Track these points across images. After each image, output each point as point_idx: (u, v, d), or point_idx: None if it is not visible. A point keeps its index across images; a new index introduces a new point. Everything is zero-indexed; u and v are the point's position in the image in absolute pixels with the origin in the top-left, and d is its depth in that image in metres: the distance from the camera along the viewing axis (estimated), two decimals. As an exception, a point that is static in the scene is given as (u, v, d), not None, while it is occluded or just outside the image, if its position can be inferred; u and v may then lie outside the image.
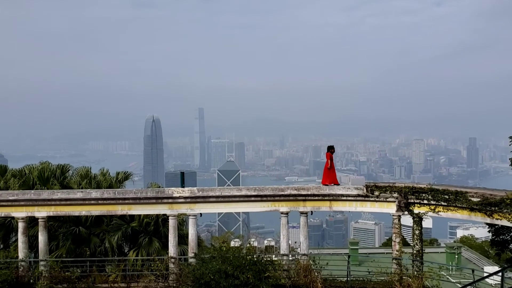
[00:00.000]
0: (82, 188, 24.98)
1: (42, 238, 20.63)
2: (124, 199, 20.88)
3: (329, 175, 21.94)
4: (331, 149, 22.19)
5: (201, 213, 21.51)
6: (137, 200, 20.94)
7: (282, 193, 21.21)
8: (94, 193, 20.92)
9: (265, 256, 19.25)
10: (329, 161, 21.97)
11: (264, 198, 21.24)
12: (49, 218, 21.58)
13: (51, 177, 25.92)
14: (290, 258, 21.54)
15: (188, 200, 20.99)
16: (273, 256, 20.99)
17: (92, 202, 20.79)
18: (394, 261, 20.23)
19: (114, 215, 23.51)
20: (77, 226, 23.94)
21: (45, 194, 20.76)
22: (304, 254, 20.93)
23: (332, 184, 21.68)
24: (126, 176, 27.81)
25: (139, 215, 24.04)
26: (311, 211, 21.66)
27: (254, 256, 18.10)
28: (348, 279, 19.94)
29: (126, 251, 25.66)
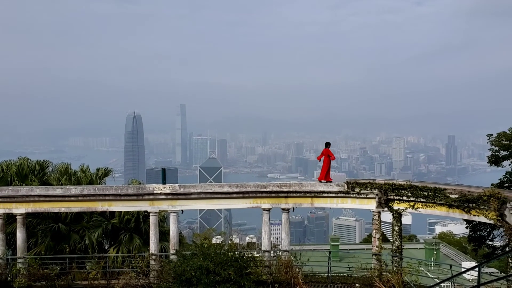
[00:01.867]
0: (61, 184, 24.63)
1: (20, 235, 20.33)
2: (105, 195, 20.71)
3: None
4: (328, 146, 22.30)
5: (182, 210, 21.46)
6: (117, 197, 20.79)
7: (264, 189, 21.28)
8: (74, 190, 20.69)
9: (247, 252, 19.30)
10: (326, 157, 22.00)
11: (246, 195, 21.28)
12: (27, 215, 21.30)
13: (29, 173, 25.52)
14: (272, 255, 21.64)
15: (169, 196, 20.91)
16: (255, 252, 21.05)
17: (72, 198, 20.58)
18: (374, 257, 20.50)
19: (95, 211, 23.28)
20: (57, 223, 23.63)
21: (23, 190, 20.45)
22: (285, 250, 21.05)
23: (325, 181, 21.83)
24: (107, 173, 27.53)
25: (120, 212, 23.85)
26: (293, 208, 21.78)
27: (236, 252, 18.15)
28: (329, 275, 20.15)
29: (106, 248, 25.43)
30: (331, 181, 21.76)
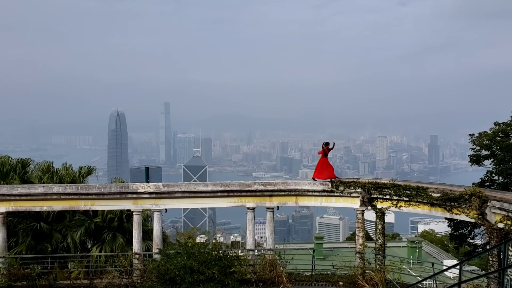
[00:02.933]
0: (43, 183, 24.28)
1: (0, 234, 19.99)
2: (88, 194, 20.49)
3: (325, 170, 21.76)
4: (327, 145, 22.16)
5: (166, 209, 21.35)
6: (100, 195, 20.59)
7: (249, 188, 21.28)
8: (56, 188, 20.44)
9: (231, 251, 19.29)
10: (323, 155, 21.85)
11: (231, 194, 21.25)
12: (8, 214, 20.98)
13: (10, 171, 25.10)
14: (256, 253, 21.64)
15: (153, 195, 20.78)
16: (239, 251, 21.03)
17: (54, 197, 20.31)
18: (357, 255, 20.64)
19: (77, 210, 23.01)
20: (38, 222, 23.28)
21: (4, 189, 20.13)
22: (269, 249, 21.07)
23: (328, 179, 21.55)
24: (90, 171, 27.23)
25: (103, 211, 23.61)
26: (278, 207, 21.81)
27: (220, 251, 18.12)
28: (313, 273, 20.23)
29: (89, 247, 25.16)
30: (320, 179, 21.60)
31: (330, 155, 22.12)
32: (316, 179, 21.65)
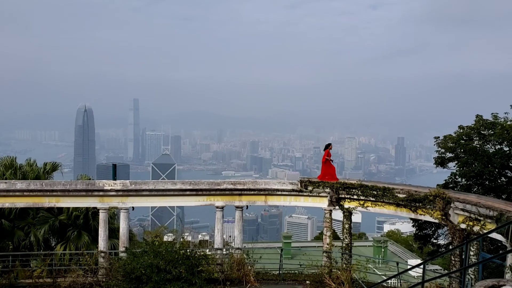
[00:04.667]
0: (6, 179, 23.54)
1: (-41, 231, 19.30)
2: (52, 191, 20.00)
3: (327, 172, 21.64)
4: (329, 146, 22.13)
5: (133, 207, 21.05)
6: (66, 192, 20.13)
7: (218, 187, 21.19)
8: (19, 184, 19.86)
9: (199, 250, 19.19)
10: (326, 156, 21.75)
11: (200, 192, 21.12)
12: (-33, 211, 20.25)
13: (-29, 166, 24.26)
14: (224, 252, 21.59)
15: (120, 193, 20.46)
16: (207, 250, 20.94)
17: (17, 193, 19.75)
18: (324, 254, 20.85)
19: (41, 207, 22.43)
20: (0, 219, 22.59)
21: (-37, 184, 19.42)
22: (238, 248, 21.06)
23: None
24: (55, 167, 26.57)
25: (68, 208, 23.10)
26: (247, 206, 21.80)
27: (188, 250, 18.00)
28: (280, 272, 20.31)
29: (53, 245, 24.58)
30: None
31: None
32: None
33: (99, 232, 20.61)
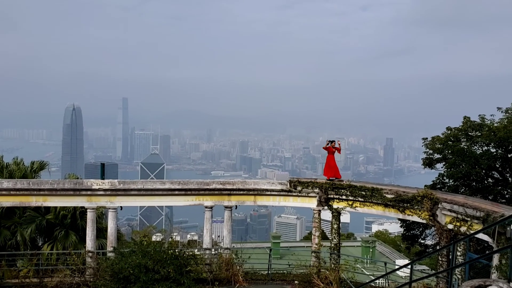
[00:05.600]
0: (-8, 177, 23.26)
1: None
2: (39, 190, 19.83)
3: (331, 168, 21.68)
4: (331, 143, 22.09)
5: (121, 206, 20.94)
6: (53, 192, 19.97)
7: (207, 187, 21.15)
8: (6, 183, 19.66)
9: (187, 250, 19.13)
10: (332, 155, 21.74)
11: (189, 192, 21.07)
12: (-48, 210, 19.96)
13: (-44, 165, 23.92)
14: (213, 252, 21.57)
15: (108, 192, 20.34)
16: (196, 250, 20.88)
17: (4, 192, 19.56)
18: (313, 254, 20.92)
19: (28, 206, 22.18)
20: (-15, 218, 22.30)
21: None
22: (226, 248, 21.04)
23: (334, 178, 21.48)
24: (42, 166, 26.27)
25: (55, 207, 22.87)
26: (236, 206, 21.80)
27: (176, 250, 17.94)
28: (269, 272, 20.34)
29: (40, 244, 24.32)
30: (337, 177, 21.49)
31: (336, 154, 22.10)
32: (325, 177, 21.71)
33: (87, 231, 20.47)
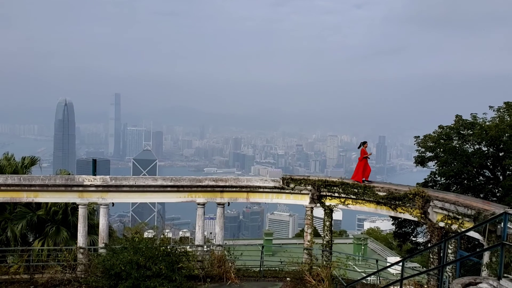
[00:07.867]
0: (-18, 173, 23.04)
1: None
2: (31, 185, 19.69)
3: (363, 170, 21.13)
4: (364, 144, 21.83)
5: (113, 203, 20.85)
6: (44, 187, 19.84)
7: (200, 184, 21.11)
8: (-4, 179, 19.46)
9: (179, 247, 19.10)
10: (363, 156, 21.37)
11: (181, 189, 21.01)
12: None
13: None
14: (205, 249, 21.53)
15: (100, 188, 20.24)
16: (188, 247, 20.86)
17: (-6, 188, 19.34)
18: (305, 251, 20.95)
19: (19, 202, 21.97)
20: (-25, 214, 22.09)
21: None
22: (218, 245, 21.02)
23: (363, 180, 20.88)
24: (33, 162, 26.07)
25: (47, 203, 22.66)
26: (228, 203, 21.78)
27: (168, 247, 17.92)
28: (261, 269, 20.35)
29: (30, 240, 24.13)
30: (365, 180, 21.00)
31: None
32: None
33: (78, 228, 20.36)
